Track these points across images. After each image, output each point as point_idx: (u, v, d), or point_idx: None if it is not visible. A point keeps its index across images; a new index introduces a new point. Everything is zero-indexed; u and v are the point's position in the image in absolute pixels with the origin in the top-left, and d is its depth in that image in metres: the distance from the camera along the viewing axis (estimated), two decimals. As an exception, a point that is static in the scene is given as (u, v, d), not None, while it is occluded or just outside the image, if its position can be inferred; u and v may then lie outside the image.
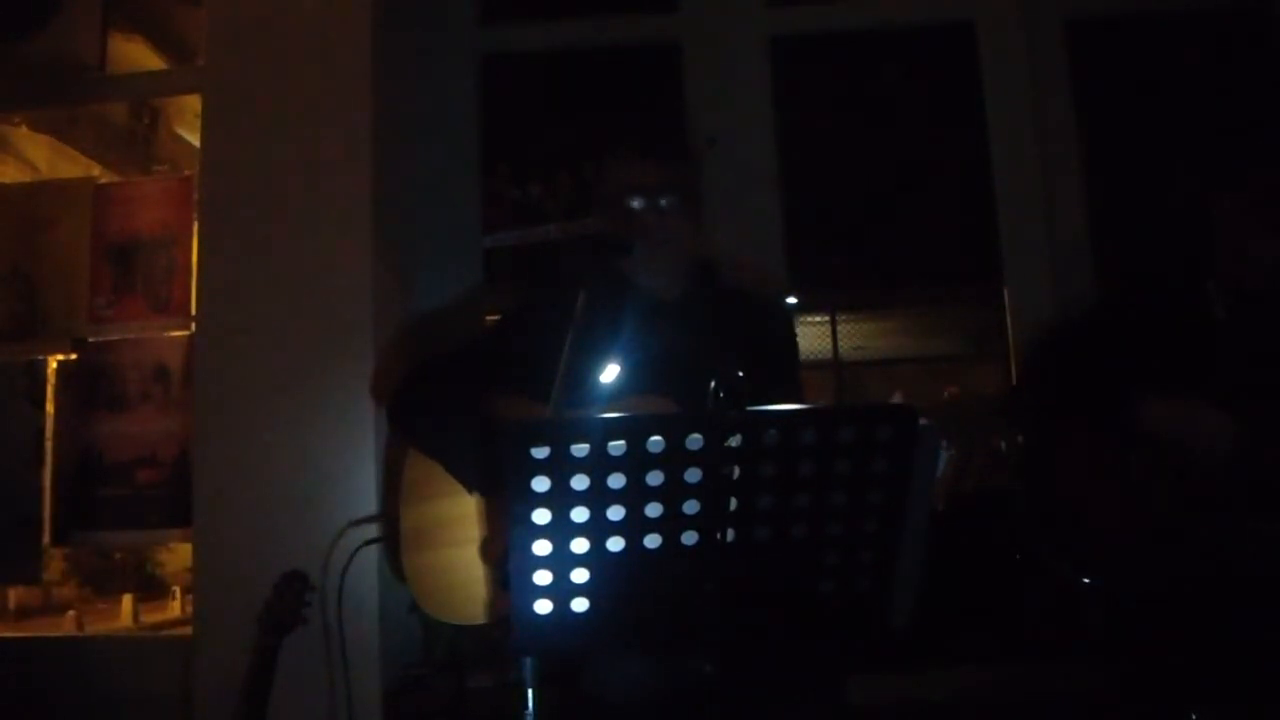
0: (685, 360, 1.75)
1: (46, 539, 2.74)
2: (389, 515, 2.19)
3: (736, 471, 1.19)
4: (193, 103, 2.96)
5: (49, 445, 2.76)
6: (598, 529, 1.19)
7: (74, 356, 2.77)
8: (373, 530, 2.34)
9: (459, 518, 1.87)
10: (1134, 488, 2.09)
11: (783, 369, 1.97)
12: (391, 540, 2.04)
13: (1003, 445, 2.28)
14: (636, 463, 1.16)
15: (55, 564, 3.57)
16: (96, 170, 3.61)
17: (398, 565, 1.92)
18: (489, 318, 2.97)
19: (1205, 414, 2.01)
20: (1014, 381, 2.83)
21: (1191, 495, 2.03)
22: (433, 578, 1.86)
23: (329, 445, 2.40)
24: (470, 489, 1.83)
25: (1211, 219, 2.17)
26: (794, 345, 2.10)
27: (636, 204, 1.92)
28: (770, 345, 1.96)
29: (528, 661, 1.48)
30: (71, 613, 3.44)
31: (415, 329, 2.71)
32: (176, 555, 3.94)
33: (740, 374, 1.23)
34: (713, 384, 1.22)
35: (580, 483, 1.16)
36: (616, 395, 1.83)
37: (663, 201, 1.91)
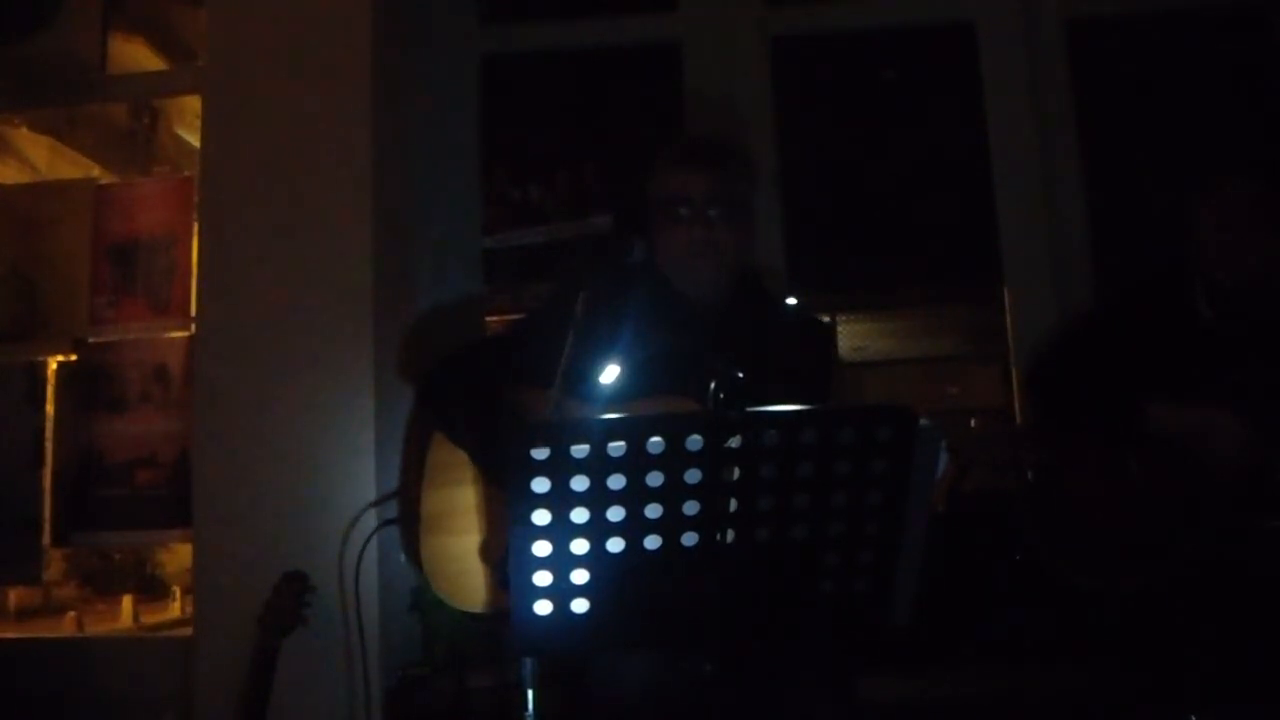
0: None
1: (46, 539, 2.74)
2: (409, 497, 2.20)
3: (736, 472, 1.19)
4: (193, 103, 2.96)
5: (49, 446, 2.75)
6: (598, 530, 1.19)
7: (74, 357, 2.77)
8: (382, 515, 2.35)
9: (479, 504, 1.89)
10: (1134, 488, 2.10)
11: (817, 386, 1.96)
12: (409, 522, 2.06)
13: (1029, 475, 2.28)
14: (636, 464, 1.16)
15: (55, 564, 3.56)
16: (96, 170, 3.60)
17: (414, 547, 1.93)
18: (489, 318, 2.98)
19: (1217, 416, 2.01)
20: (1015, 385, 2.84)
21: (1191, 498, 2.03)
22: (448, 562, 1.88)
23: (329, 446, 2.40)
24: (490, 481, 1.84)
25: (1196, 218, 2.18)
26: (831, 364, 2.10)
27: (684, 212, 1.92)
28: (809, 363, 1.97)
29: (528, 661, 1.48)
30: (71, 613, 3.43)
31: (415, 329, 2.71)
32: (176, 555, 3.92)
33: (739, 373, 1.23)
34: (712, 385, 1.22)
35: (580, 484, 1.16)
36: (643, 394, 1.84)
37: (710, 213, 1.91)
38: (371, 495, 2.37)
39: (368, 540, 2.22)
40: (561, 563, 1.20)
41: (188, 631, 2.48)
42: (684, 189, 1.92)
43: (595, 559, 1.20)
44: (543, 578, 1.20)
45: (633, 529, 1.19)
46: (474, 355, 2.06)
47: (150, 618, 3.67)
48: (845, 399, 2.11)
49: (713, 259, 1.92)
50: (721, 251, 1.93)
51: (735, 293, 2.00)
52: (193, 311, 2.61)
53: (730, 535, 1.22)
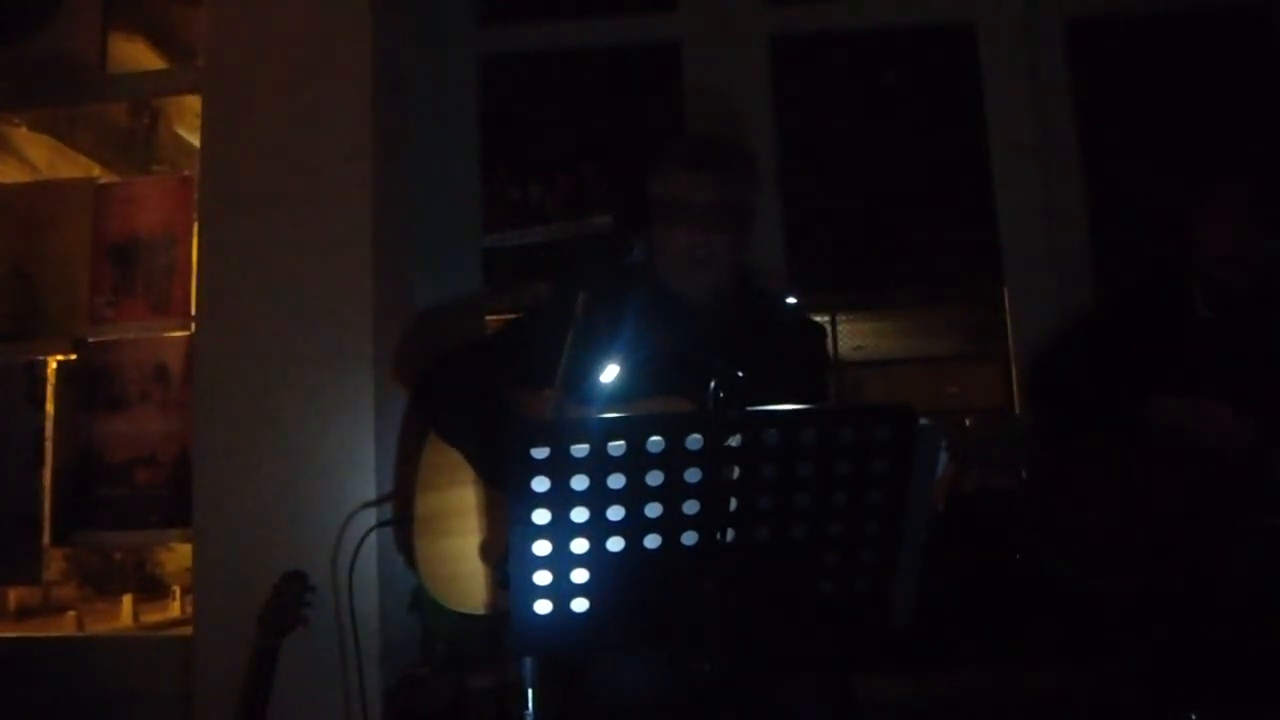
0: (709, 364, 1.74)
1: (46, 539, 2.74)
2: (404, 499, 2.20)
3: (736, 471, 1.19)
4: (193, 103, 2.96)
5: (49, 445, 2.75)
6: (597, 529, 1.19)
7: (74, 356, 2.76)
8: (380, 516, 2.35)
9: (472, 506, 1.89)
10: (1134, 488, 2.10)
11: (811, 385, 1.96)
12: (404, 524, 2.06)
13: (1023, 472, 2.28)
14: (636, 463, 1.16)
15: (55, 564, 3.56)
16: (96, 170, 3.61)
17: (409, 549, 1.94)
18: (489, 318, 2.98)
19: (1222, 410, 2.02)
20: (1015, 385, 2.84)
21: (1192, 495, 2.04)
22: (443, 564, 1.89)
23: (329, 445, 2.40)
24: (487, 482, 1.84)
25: (1196, 218, 2.18)
26: (825, 364, 2.10)
27: (685, 216, 1.91)
28: (800, 361, 1.97)
29: (528, 661, 1.48)
30: (71, 613, 3.43)
31: (415, 329, 2.71)
32: (176, 555, 3.93)
33: (740, 373, 1.23)
34: (712, 384, 1.22)
35: (580, 483, 1.16)
36: (638, 395, 1.84)
37: (712, 219, 1.90)
38: (371, 495, 2.37)
39: (360, 541, 2.22)
40: (561, 562, 1.20)
41: (188, 631, 2.48)
42: (687, 194, 1.91)
43: (595, 558, 1.20)
44: (542, 577, 1.20)
45: (633, 528, 1.19)
46: (469, 357, 2.06)
47: (150, 617, 3.67)
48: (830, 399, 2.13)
49: (710, 265, 1.92)
50: (719, 257, 1.92)
51: (731, 293, 1.99)
52: (193, 311, 2.61)
53: (730, 534, 1.22)
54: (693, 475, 1.17)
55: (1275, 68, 2.88)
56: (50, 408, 2.78)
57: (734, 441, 1.17)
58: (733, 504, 1.21)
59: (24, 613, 3.40)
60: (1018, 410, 2.83)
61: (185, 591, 3.62)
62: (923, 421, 1.22)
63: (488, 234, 3.04)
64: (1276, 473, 1.98)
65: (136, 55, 3.28)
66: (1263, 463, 1.98)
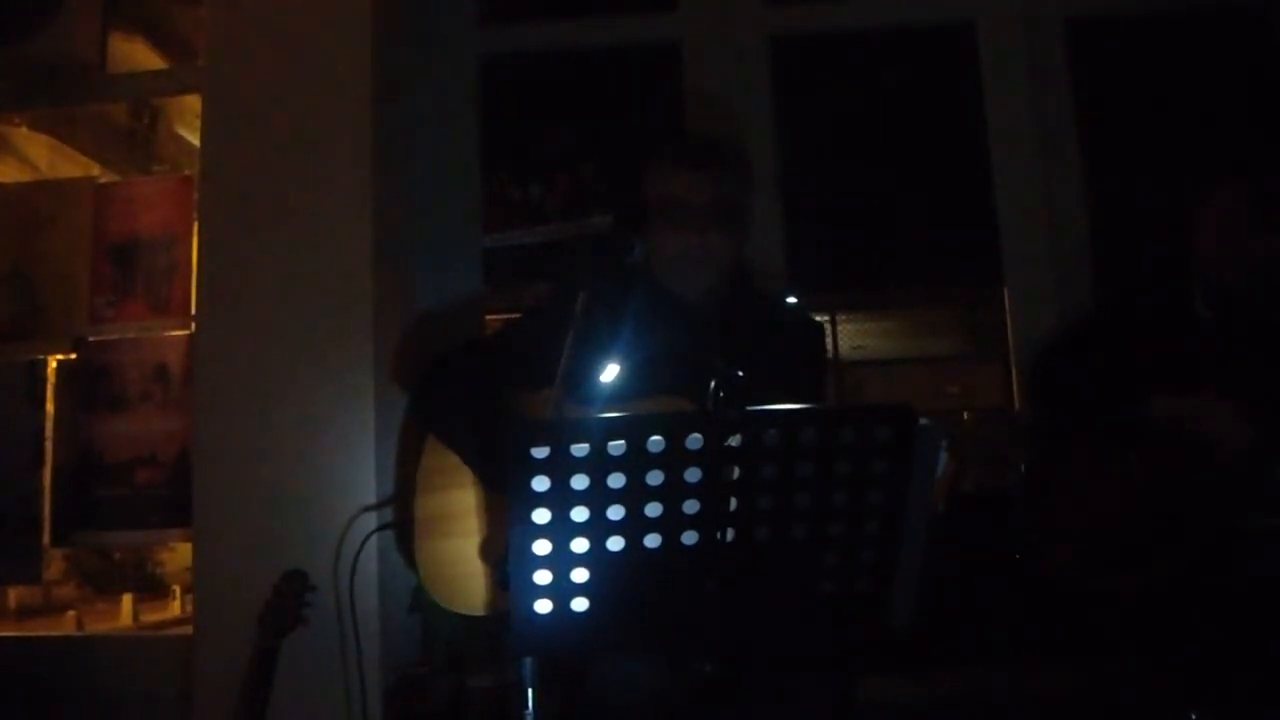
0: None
1: (46, 539, 2.74)
2: (403, 501, 2.20)
3: (736, 471, 1.19)
4: (193, 103, 2.96)
5: (49, 445, 2.75)
6: (598, 529, 1.19)
7: (74, 356, 2.77)
8: (381, 519, 2.35)
9: (472, 508, 1.89)
10: (1135, 487, 2.10)
11: (809, 384, 1.96)
12: (404, 527, 2.06)
13: (1021, 467, 2.28)
14: (636, 462, 1.16)
15: (55, 564, 3.56)
16: (96, 170, 3.61)
17: (409, 551, 1.94)
18: (489, 317, 2.98)
19: (1222, 410, 2.02)
20: (1015, 385, 2.84)
21: (1192, 495, 2.04)
22: (443, 566, 1.88)
23: (329, 445, 2.40)
24: (485, 484, 1.84)
25: (1196, 218, 2.19)
26: (824, 362, 2.10)
27: (679, 215, 1.91)
28: (798, 360, 1.97)
29: (528, 661, 1.48)
30: (71, 613, 3.43)
31: (415, 329, 2.71)
32: (176, 555, 3.94)
33: (740, 373, 1.23)
34: (712, 384, 1.22)
35: (580, 482, 1.16)
36: (636, 395, 1.84)
37: (706, 218, 1.90)
38: (371, 495, 2.37)
39: (363, 544, 2.22)
40: (561, 561, 1.20)
41: (188, 630, 2.48)
42: (681, 192, 1.91)
43: (595, 558, 1.20)
44: (543, 576, 1.20)
45: (633, 528, 1.19)
46: (468, 357, 2.06)
47: (150, 617, 3.68)
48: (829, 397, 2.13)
49: (707, 264, 1.92)
50: (715, 256, 1.92)
51: (729, 292, 1.99)
52: (193, 311, 2.61)
53: (730, 534, 1.22)
54: (693, 475, 1.17)
55: (1275, 68, 2.88)
56: (50, 408, 2.79)
57: (734, 441, 1.17)
58: (733, 504, 1.21)
59: (24, 613, 3.40)
60: (1017, 409, 2.83)
61: (185, 591, 3.63)
62: (923, 421, 1.22)
63: (488, 234, 3.04)
64: (1276, 473, 1.98)
65: (136, 55, 3.28)
66: (1263, 463, 1.98)
